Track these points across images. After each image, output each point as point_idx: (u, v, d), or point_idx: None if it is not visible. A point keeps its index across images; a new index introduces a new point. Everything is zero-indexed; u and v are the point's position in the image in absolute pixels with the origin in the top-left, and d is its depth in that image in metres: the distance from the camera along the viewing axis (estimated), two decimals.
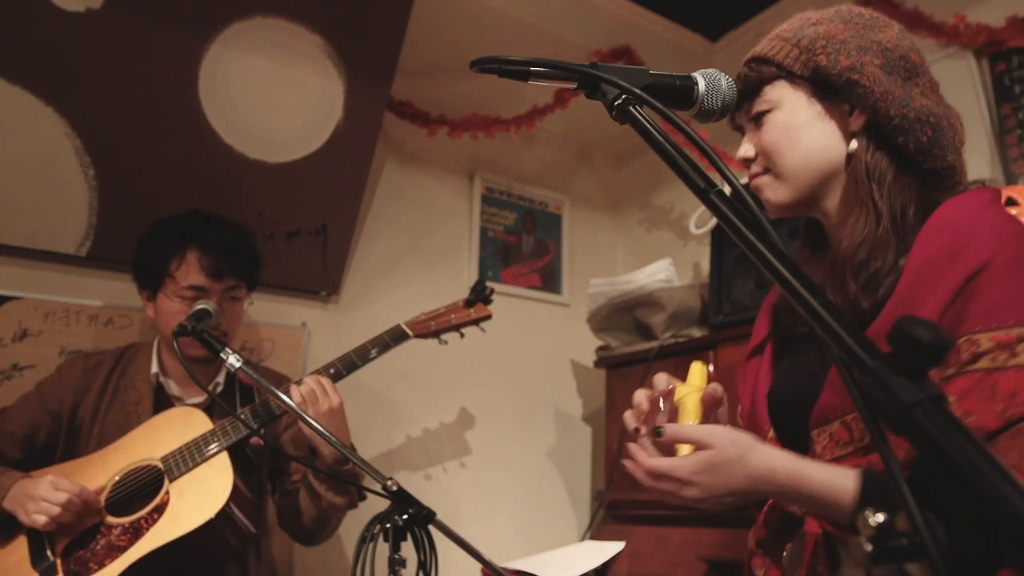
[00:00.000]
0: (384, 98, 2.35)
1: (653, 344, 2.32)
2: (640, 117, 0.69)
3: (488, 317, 1.91)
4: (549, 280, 2.98)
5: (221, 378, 1.78)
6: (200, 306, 1.56)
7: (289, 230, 2.31)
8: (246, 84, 2.14)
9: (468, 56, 0.77)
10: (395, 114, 2.53)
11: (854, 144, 0.97)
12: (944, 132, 0.95)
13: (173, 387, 1.75)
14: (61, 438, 1.66)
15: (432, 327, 1.84)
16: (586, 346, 2.77)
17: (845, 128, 0.97)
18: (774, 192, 1.02)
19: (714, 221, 2.35)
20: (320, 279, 2.41)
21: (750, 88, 1.02)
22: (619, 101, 0.71)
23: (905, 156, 0.94)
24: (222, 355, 1.38)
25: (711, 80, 0.80)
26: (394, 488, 1.15)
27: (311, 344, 2.37)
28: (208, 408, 1.69)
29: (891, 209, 0.93)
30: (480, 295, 1.89)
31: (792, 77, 0.99)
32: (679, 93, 0.79)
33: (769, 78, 1.00)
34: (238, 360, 1.37)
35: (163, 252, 1.67)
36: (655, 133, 0.67)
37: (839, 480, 0.81)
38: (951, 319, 0.82)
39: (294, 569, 2.18)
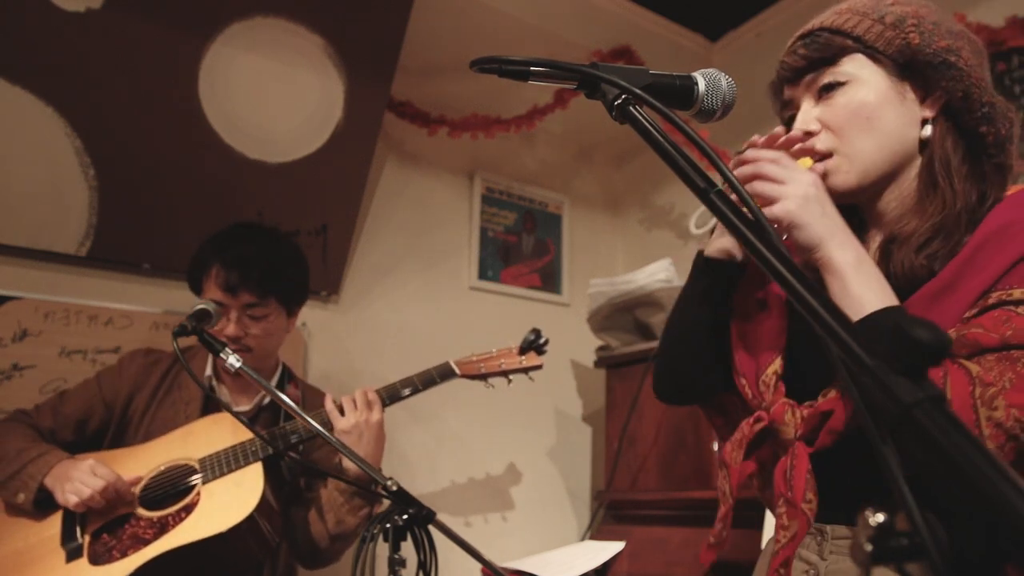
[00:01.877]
0: (384, 98, 2.35)
1: (653, 344, 2.32)
2: (640, 117, 0.69)
3: (539, 367, 1.85)
4: (549, 280, 2.98)
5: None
6: (200, 306, 1.57)
7: (289, 230, 2.31)
8: (246, 84, 2.14)
9: (468, 56, 0.77)
10: (395, 114, 2.53)
11: (928, 130, 0.93)
12: (1016, 127, 0.93)
13: (224, 393, 1.77)
14: (111, 427, 1.69)
15: (481, 369, 1.83)
16: (586, 346, 2.77)
17: (917, 112, 0.94)
18: (844, 177, 0.94)
19: (714, 221, 2.35)
20: (320, 279, 2.41)
21: (822, 59, 0.96)
22: (619, 101, 0.70)
23: (979, 147, 0.92)
24: (222, 355, 1.39)
25: (711, 80, 0.80)
26: (394, 488, 1.15)
27: (311, 344, 2.37)
28: (253, 417, 1.72)
29: (966, 198, 0.89)
30: (533, 344, 1.84)
31: (873, 53, 0.93)
32: (679, 93, 0.79)
33: (847, 50, 0.94)
34: (238, 360, 1.37)
35: (198, 267, 1.70)
36: (655, 133, 0.67)
37: (883, 293, 0.82)
38: (1003, 283, 0.82)
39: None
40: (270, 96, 2.20)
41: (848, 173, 0.94)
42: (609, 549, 1.99)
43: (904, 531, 0.41)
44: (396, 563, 1.11)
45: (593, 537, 2.24)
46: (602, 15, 2.65)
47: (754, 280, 1.06)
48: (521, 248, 2.92)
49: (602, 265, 3.12)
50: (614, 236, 3.24)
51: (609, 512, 2.32)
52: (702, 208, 1.87)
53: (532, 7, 2.58)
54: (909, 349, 0.42)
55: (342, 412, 1.63)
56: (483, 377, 1.84)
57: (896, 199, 0.96)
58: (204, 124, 2.11)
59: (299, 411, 1.30)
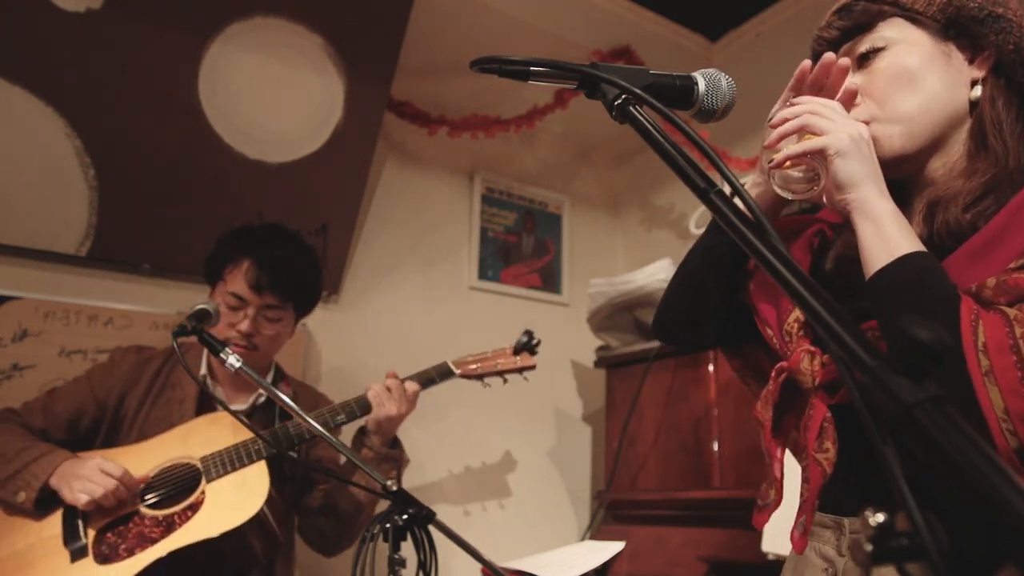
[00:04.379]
0: (384, 98, 2.36)
1: (653, 344, 2.32)
2: (640, 117, 0.69)
3: (532, 367, 1.94)
4: (549, 280, 2.98)
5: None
6: (200, 306, 1.57)
7: (289, 230, 2.31)
8: (246, 84, 2.14)
9: (468, 56, 0.77)
10: (395, 114, 2.53)
11: (978, 90, 0.89)
12: None
13: (220, 392, 1.77)
14: (104, 426, 1.68)
15: (477, 370, 1.89)
16: (586, 346, 2.77)
17: (966, 73, 0.90)
18: (888, 143, 0.90)
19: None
20: None
21: (857, 26, 0.94)
22: (619, 101, 0.70)
23: None
24: (222, 355, 1.38)
25: (711, 80, 0.80)
26: (394, 488, 1.15)
27: (311, 344, 2.37)
28: (250, 416, 1.72)
29: (1020, 157, 0.85)
30: (527, 345, 1.93)
31: (913, 15, 0.91)
32: (679, 93, 0.79)
33: (884, 15, 0.91)
34: (238, 361, 1.37)
35: (224, 255, 1.71)
36: (655, 133, 0.67)
37: (915, 241, 0.79)
38: None
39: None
40: (270, 96, 2.20)
41: (892, 138, 0.90)
42: (609, 549, 1.99)
43: (904, 531, 0.41)
44: (396, 563, 1.11)
45: (593, 537, 2.24)
46: (602, 15, 2.65)
47: (779, 229, 1.02)
48: (521, 248, 2.93)
49: (602, 265, 3.12)
50: (614, 236, 3.24)
51: (609, 512, 2.32)
52: (702, 208, 1.87)
53: (532, 7, 2.58)
54: (909, 349, 0.42)
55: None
56: (479, 377, 1.90)
57: (943, 166, 0.91)
58: (204, 124, 2.11)
59: (299, 411, 1.30)
